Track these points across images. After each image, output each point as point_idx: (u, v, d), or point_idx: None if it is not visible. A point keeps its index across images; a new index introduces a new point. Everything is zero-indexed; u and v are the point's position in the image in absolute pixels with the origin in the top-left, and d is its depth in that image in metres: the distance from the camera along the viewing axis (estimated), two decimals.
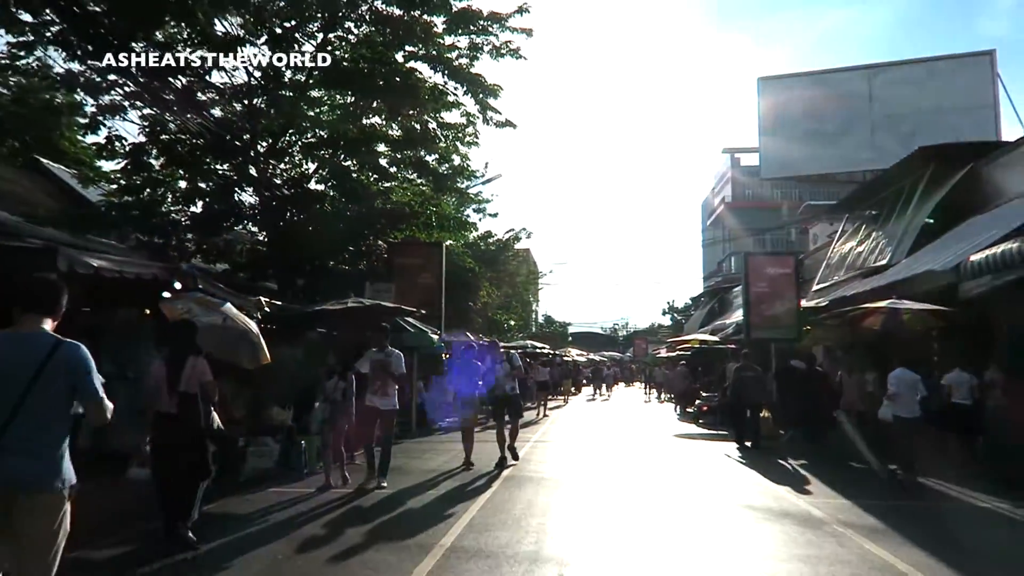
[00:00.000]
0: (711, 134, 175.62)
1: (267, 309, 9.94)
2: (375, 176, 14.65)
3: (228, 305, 7.63)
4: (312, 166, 14.45)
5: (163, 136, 12.18)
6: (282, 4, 12.25)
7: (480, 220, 27.62)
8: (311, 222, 14.17)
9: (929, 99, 20.02)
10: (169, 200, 13.44)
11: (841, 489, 9.15)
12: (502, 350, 10.95)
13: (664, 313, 76.39)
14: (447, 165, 15.06)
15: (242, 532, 6.57)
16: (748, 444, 13.89)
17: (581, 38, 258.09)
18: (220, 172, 13.12)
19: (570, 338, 73.37)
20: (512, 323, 41.29)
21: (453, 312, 20.30)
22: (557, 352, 37.85)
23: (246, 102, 12.78)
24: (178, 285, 7.76)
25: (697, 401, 20.16)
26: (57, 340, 3.19)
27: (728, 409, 16.52)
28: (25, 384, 3.05)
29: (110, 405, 3.29)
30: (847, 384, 15.18)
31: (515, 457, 10.52)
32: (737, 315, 31.76)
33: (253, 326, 7.87)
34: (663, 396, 33.44)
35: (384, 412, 8.54)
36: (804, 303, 17.23)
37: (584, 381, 40.93)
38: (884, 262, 15.62)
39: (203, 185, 13.15)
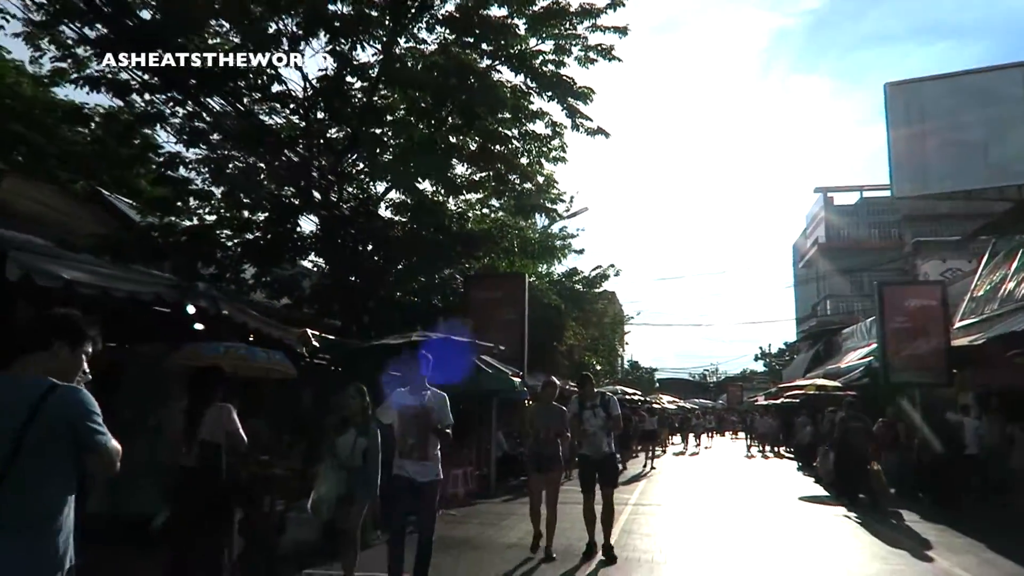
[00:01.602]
0: (801, 175, 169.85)
1: (316, 344, 8.32)
2: (449, 196, 13.02)
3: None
4: (381, 188, 12.97)
5: (203, 147, 10.80)
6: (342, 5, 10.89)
7: (565, 256, 25.96)
8: (378, 250, 12.67)
9: None
10: (226, 229, 12.15)
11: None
12: (596, 392, 7.65)
13: (757, 359, 72.31)
14: (530, 185, 13.32)
15: None
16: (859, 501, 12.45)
17: (665, 81, 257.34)
18: (277, 194, 11.75)
19: (657, 384, 70.61)
20: (599, 367, 39.05)
21: (536, 353, 18.42)
22: (648, 399, 35.27)
23: (304, 113, 11.43)
24: (192, 309, 6.19)
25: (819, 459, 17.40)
26: (52, 384, 2.53)
27: (835, 464, 14.31)
28: (11, 440, 2.42)
29: (117, 448, 2.66)
30: (1019, 440, 12.79)
31: (609, 556, 7.29)
32: (850, 358, 28.69)
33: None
34: (767, 449, 30.21)
35: (423, 487, 5.57)
36: (955, 342, 14.54)
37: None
38: None
39: (256, 212, 11.80)
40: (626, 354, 69.56)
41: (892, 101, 19.82)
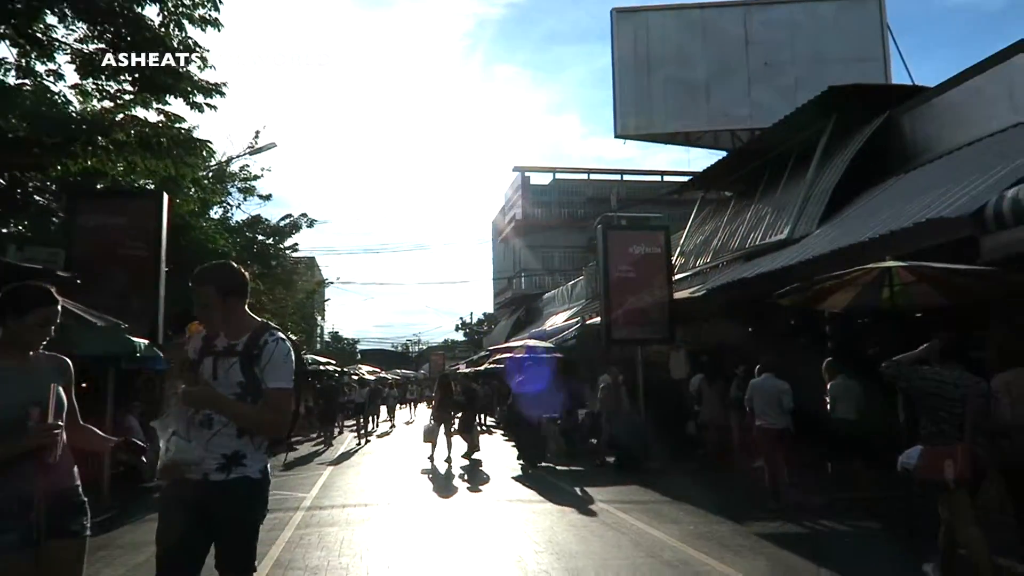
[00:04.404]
0: (500, 154, 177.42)
1: None
2: (27, 54, 8.39)
3: None
4: None
5: None
6: None
7: (243, 201, 21.60)
8: None
9: (811, 46, 17.32)
10: None
11: None
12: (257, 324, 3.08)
13: (457, 329, 72.75)
14: (169, 59, 9.09)
15: None
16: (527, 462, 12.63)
17: (375, 55, 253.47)
18: None
19: (359, 356, 68.10)
20: (294, 337, 34.74)
21: (190, 311, 14.12)
22: (347, 369, 31.95)
23: None
24: None
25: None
26: None
27: (509, 425, 15.37)
28: None
29: None
30: (707, 396, 12.41)
31: None
32: (553, 321, 28.08)
33: None
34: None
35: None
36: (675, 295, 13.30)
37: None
38: (783, 236, 12.02)
39: None
40: (326, 325, 65.77)
41: (619, 30, 18.50)
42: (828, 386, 8.67)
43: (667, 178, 45.12)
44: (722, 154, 16.29)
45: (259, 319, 3.07)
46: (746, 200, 14.89)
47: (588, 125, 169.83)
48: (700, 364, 13.99)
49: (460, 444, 14.81)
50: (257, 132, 20.36)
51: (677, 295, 13.11)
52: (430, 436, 14.39)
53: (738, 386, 11.44)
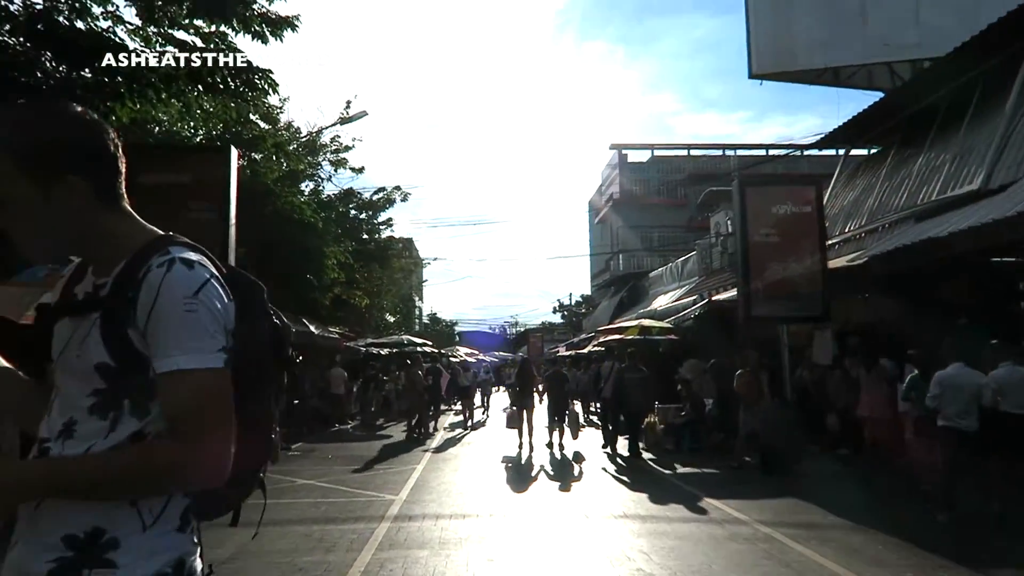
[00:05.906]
0: (595, 134, 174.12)
1: None
2: None
3: None
4: None
5: None
6: None
7: (334, 173, 20.53)
8: None
9: None
10: None
11: None
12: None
13: (555, 311, 71.28)
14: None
15: None
16: (625, 453, 11.92)
17: (464, 36, 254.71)
18: None
19: (457, 338, 67.80)
20: (391, 318, 34.06)
21: (277, 287, 12.98)
22: (444, 351, 30.83)
23: None
24: None
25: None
26: None
27: (606, 413, 14.09)
28: None
29: None
30: (866, 384, 9.81)
31: None
32: (660, 301, 25.94)
33: None
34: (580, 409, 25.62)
35: None
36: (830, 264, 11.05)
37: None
38: (974, 187, 9.62)
39: None
40: (424, 307, 65.72)
41: None
42: (990, 375, 6.93)
43: (773, 152, 41.60)
44: (876, 97, 13.73)
45: (159, 231, 1.38)
46: (911, 149, 12.39)
47: (685, 102, 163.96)
48: (849, 347, 11.75)
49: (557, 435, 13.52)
50: (348, 102, 19.12)
51: (832, 264, 10.88)
52: (512, 423, 13.64)
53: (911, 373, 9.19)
